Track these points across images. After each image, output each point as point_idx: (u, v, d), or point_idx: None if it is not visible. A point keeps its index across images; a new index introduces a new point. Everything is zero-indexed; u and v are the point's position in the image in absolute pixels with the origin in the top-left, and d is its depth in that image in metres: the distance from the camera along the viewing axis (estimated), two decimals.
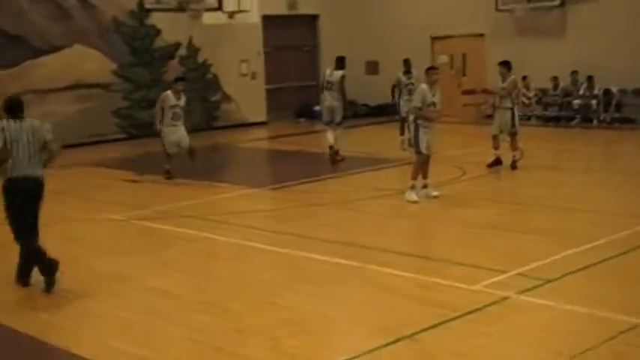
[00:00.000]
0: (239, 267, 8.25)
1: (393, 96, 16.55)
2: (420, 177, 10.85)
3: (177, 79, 13.53)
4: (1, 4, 17.61)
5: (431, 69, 11.16)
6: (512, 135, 12.93)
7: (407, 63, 16.33)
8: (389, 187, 11.96)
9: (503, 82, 13.03)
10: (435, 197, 10.73)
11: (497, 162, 12.98)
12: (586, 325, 5.97)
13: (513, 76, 13.19)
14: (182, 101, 13.07)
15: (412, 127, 10.93)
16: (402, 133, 15.72)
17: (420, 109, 10.66)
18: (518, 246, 8.45)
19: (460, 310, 6.34)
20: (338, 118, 14.68)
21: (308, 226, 9.64)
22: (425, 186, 10.87)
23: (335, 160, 14.49)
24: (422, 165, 10.83)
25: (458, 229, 9.54)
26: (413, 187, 10.70)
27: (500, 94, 13.03)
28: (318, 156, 16.70)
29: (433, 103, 10.69)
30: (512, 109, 12.99)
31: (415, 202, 10.54)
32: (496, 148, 13.02)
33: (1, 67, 17.58)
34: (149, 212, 10.85)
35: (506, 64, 13.16)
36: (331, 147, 14.60)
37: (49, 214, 11.01)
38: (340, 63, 14.90)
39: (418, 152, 10.75)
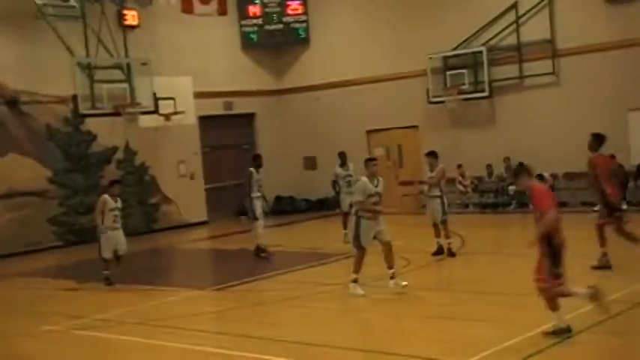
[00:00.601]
0: None
1: (334, 189, 16.58)
2: (380, 269, 10.65)
3: (113, 182, 13.64)
4: None
5: (369, 160, 11.17)
6: (443, 223, 13.15)
7: (342, 156, 16.59)
8: (333, 282, 11.90)
9: (432, 172, 13.31)
10: (404, 287, 10.45)
11: (440, 250, 13.11)
12: None
13: (441, 165, 13.50)
14: (119, 204, 13.13)
15: (354, 221, 10.81)
16: (345, 227, 15.76)
17: (362, 202, 10.64)
18: (467, 334, 8.43)
19: None
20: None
21: (254, 326, 9.47)
22: (392, 276, 10.58)
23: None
24: (368, 258, 10.68)
25: (405, 320, 9.52)
26: (355, 281, 10.57)
27: (430, 183, 13.30)
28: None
29: (377, 194, 10.67)
30: (440, 197, 13.26)
31: (361, 295, 10.43)
32: (437, 236, 13.18)
33: None
34: (89, 321, 10.50)
35: (433, 154, 13.51)
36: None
37: None
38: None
39: (358, 246, 10.64)
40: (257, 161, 15.07)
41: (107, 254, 12.91)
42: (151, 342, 9.13)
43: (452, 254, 13.14)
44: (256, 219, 14.76)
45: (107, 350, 9.10)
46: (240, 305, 10.93)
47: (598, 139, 11.77)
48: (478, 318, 9.01)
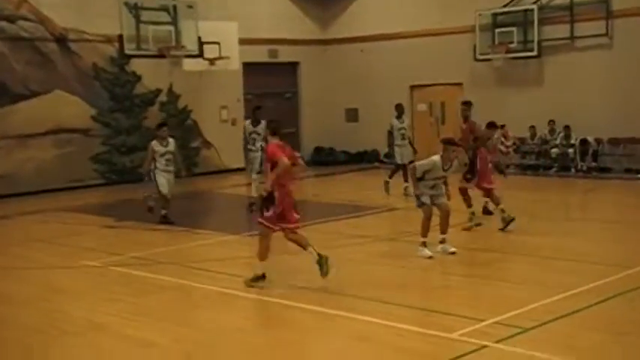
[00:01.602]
0: (218, 315, 8.16)
1: (389, 141, 16.35)
2: (438, 232, 10.34)
3: (160, 125, 13.58)
4: None
5: (450, 144, 10.31)
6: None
7: (399, 108, 16.40)
8: (368, 234, 11.96)
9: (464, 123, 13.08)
10: (452, 253, 10.21)
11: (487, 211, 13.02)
12: None
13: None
14: (171, 146, 13.15)
15: (413, 186, 10.32)
16: (406, 179, 15.43)
17: (420, 178, 10.10)
18: (496, 294, 8.44)
19: (438, 359, 6.29)
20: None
21: (286, 274, 9.56)
22: (442, 241, 10.33)
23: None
24: (434, 219, 10.25)
25: (436, 277, 9.55)
26: (424, 244, 10.17)
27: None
28: (298, 203, 16.67)
29: (443, 177, 10.20)
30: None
31: (429, 257, 10.04)
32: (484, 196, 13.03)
33: None
34: (126, 258, 10.75)
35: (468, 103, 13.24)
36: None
37: (26, 260, 10.97)
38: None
39: (421, 205, 10.20)
40: (256, 114, 14.66)
41: (164, 189, 13.05)
42: (183, 282, 9.33)
43: (489, 212, 13.06)
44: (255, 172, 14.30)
45: (141, 287, 9.30)
46: (275, 252, 11.03)
47: (468, 105, 12.82)
48: (505, 279, 9.03)
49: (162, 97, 20.62)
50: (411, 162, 13.65)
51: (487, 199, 13.04)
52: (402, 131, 16.17)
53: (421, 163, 10.30)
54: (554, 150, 19.30)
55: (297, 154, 10.08)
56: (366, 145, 22.62)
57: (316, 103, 23.85)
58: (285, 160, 8.68)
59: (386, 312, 7.76)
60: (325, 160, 23.37)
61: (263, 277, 8.87)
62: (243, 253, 11.45)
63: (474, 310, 7.67)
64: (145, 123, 19.96)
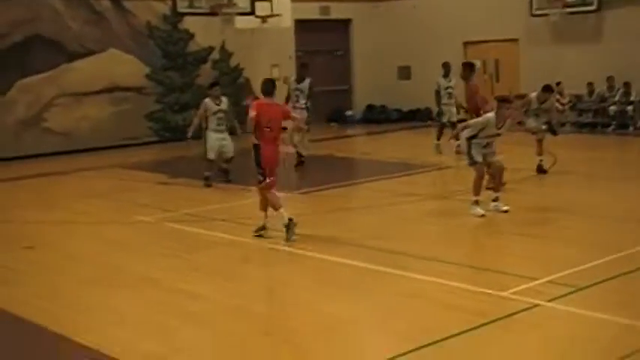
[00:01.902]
0: (269, 270, 8.25)
1: (437, 99, 16.18)
2: (489, 190, 10.25)
3: (213, 85, 13.45)
4: (37, 8, 17.88)
5: (504, 101, 10.22)
6: (540, 139, 12.84)
7: (445, 66, 16.22)
8: (419, 193, 11.89)
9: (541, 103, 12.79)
10: (505, 212, 10.06)
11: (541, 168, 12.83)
12: (618, 334, 5.86)
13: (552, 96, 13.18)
14: (224, 105, 12.96)
15: (465, 143, 10.16)
16: (439, 138, 15.58)
17: (474, 135, 10.00)
18: (550, 253, 8.33)
19: (488, 317, 6.26)
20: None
21: (337, 231, 9.61)
22: (495, 199, 10.20)
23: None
24: (491, 176, 10.21)
25: (489, 235, 9.46)
26: (477, 202, 10.02)
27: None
28: (349, 160, 16.71)
29: (497, 135, 10.05)
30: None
31: (482, 215, 9.89)
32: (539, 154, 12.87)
33: (38, 72, 17.87)
34: (179, 215, 10.90)
35: (549, 89, 12.88)
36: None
37: (81, 215, 11.23)
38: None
39: (474, 164, 10.07)
40: (301, 71, 14.74)
41: (211, 155, 12.83)
42: (235, 238, 9.42)
43: (544, 171, 12.86)
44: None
45: (193, 242, 9.44)
46: (324, 210, 11.09)
47: (471, 68, 13.06)
48: (559, 237, 8.88)
49: (215, 55, 20.69)
50: (460, 121, 13.51)
51: (541, 157, 12.83)
52: (449, 90, 15.97)
53: (476, 121, 10.21)
54: (613, 107, 18.81)
55: (289, 110, 10.34)
56: (419, 103, 22.36)
57: (368, 61, 23.62)
58: (250, 115, 9.00)
59: (437, 270, 7.73)
60: (377, 117, 23.24)
61: (263, 228, 9.28)
62: (295, 210, 11.49)
63: (526, 268, 7.58)
64: (198, 81, 20.08)
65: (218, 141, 12.87)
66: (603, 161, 15.23)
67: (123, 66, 19.09)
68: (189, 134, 12.96)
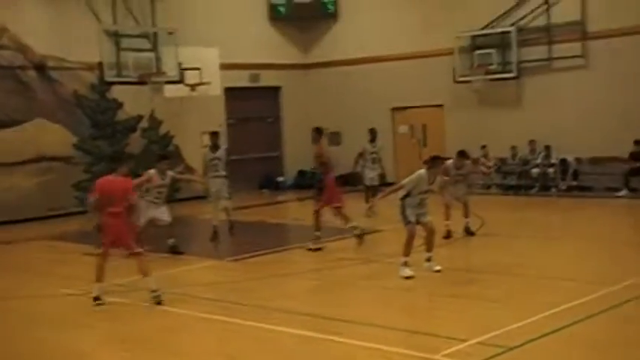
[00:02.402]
0: (203, 341, 8.10)
1: (356, 164, 16.78)
2: (420, 251, 10.55)
3: (162, 158, 13.10)
4: None
5: (437, 159, 10.65)
6: (466, 202, 13.24)
7: (372, 132, 16.86)
8: (352, 257, 11.96)
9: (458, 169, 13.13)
10: (438, 271, 10.36)
11: (449, 234, 13.04)
12: None
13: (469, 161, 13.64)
14: (167, 180, 12.71)
15: (400, 204, 10.41)
16: (367, 201, 15.89)
17: (408, 194, 10.29)
18: (479, 314, 8.45)
19: None
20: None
21: (272, 298, 9.56)
22: (429, 259, 10.49)
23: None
24: (416, 238, 10.40)
25: (419, 297, 9.55)
26: (406, 264, 10.23)
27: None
28: (280, 226, 16.70)
29: (429, 191, 10.39)
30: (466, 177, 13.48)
31: (409, 277, 10.10)
32: (447, 219, 13.08)
33: None
34: (107, 286, 10.60)
35: (464, 155, 13.31)
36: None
37: (7, 289, 10.85)
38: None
39: (407, 223, 10.32)
40: (213, 140, 14.51)
41: (141, 222, 12.31)
42: (164, 308, 9.25)
43: (471, 233, 13.13)
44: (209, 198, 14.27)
45: (122, 315, 9.23)
46: (257, 276, 11.02)
47: (319, 132, 13.77)
48: (488, 298, 9.02)
49: (144, 124, 20.55)
50: (381, 185, 14.05)
51: (467, 219, 13.14)
52: (374, 155, 16.63)
53: (409, 179, 10.43)
54: (535, 170, 19.43)
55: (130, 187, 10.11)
56: (350, 168, 22.62)
57: (299, 127, 23.86)
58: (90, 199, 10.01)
59: (371, 334, 7.74)
60: (309, 183, 23.36)
61: (97, 298, 9.57)
62: (227, 278, 11.41)
63: (457, 330, 7.66)
64: (127, 150, 19.88)
65: (150, 209, 12.58)
66: (528, 222, 15.65)
67: (50, 135, 18.81)
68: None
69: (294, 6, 23.33)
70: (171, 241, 12.84)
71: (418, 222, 10.34)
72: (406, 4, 21.78)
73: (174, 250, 12.80)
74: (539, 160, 19.42)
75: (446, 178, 12.86)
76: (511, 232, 14.23)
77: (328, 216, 16.59)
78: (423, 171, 10.36)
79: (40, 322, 9.05)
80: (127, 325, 8.72)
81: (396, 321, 8.46)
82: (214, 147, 14.34)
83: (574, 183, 18.89)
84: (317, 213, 12.99)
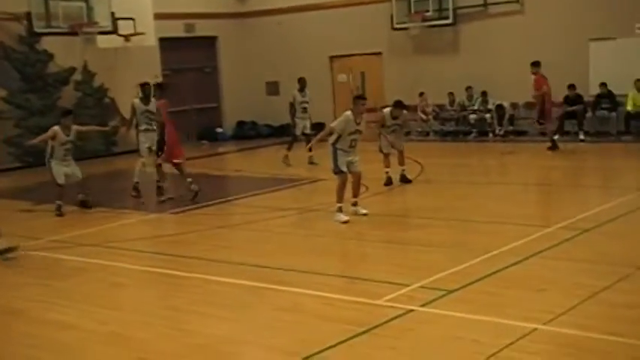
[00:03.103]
0: (144, 294, 8.05)
1: (290, 113, 16.78)
2: (346, 197, 10.70)
3: (66, 113, 12.76)
4: None
5: (359, 98, 10.90)
6: (401, 150, 13.29)
7: (301, 81, 16.77)
8: (292, 207, 11.98)
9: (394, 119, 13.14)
10: (364, 215, 10.66)
11: (390, 181, 13.17)
12: (488, 333, 6.10)
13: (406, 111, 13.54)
14: (72, 136, 12.42)
15: (330, 150, 10.66)
16: (289, 149, 16.33)
17: (339, 137, 10.52)
18: (419, 259, 8.58)
19: (365, 325, 6.36)
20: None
21: (212, 249, 9.53)
22: (355, 204, 10.82)
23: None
24: (347, 184, 10.65)
25: (358, 245, 9.66)
26: (340, 210, 10.50)
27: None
28: (221, 178, 16.60)
29: (358, 131, 10.60)
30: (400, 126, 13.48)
31: (346, 221, 10.34)
32: (387, 166, 13.22)
33: None
34: (45, 242, 10.46)
35: (401, 105, 13.25)
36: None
37: None
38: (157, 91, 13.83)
39: (338, 172, 10.58)
40: (145, 91, 13.48)
41: (60, 179, 12.33)
42: (105, 263, 9.14)
43: (408, 181, 13.26)
44: (140, 156, 13.58)
45: (60, 271, 9.08)
46: (199, 229, 10.95)
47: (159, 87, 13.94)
48: (428, 244, 9.15)
49: (77, 76, 20.04)
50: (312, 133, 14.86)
51: (403, 167, 13.24)
52: (304, 105, 16.61)
53: (338, 121, 10.69)
54: (473, 116, 19.66)
55: None
56: (289, 118, 22.53)
57: (237, 78, 23.63)
58: None
59: (313, 282, 7.80)
60: (248, 134, 23.26)
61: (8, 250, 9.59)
62: (167, 231, 11.32)
63: (397, 275, 7.77)
64: (60, 103, 19.37)
65: (66, 167, 12.41)
66: (466, 167, 15.89)
67: None
68: (29, 143, 13.23)
69: None
70: (81, 196, 12.67)
71: (348, 170, 10.60)
72: None
73: (85, 205, 12.62)
74: (476, 106, 19.65)
75: (382, 126, 12.96)
76: (449, 178, 14.44)
77: (260, 167, 16.67)
78: (348, 112, 10.63)
79: None
80: (65, 281, 8.57)
81: (338, 268, 8.55)
82: (146, 99, 13.51)
83: (510, 128, 19.20)
84: (159, 166, 13.13)
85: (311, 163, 15.89)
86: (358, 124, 10.59)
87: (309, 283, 7.74)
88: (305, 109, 16.65)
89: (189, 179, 12.90)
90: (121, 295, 8.11)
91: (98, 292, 8.12)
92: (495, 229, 9.73)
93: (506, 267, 7.83)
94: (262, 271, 8.31)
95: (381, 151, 13.12)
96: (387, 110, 13.21)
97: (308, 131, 16.58)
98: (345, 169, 10.57)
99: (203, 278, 8.22)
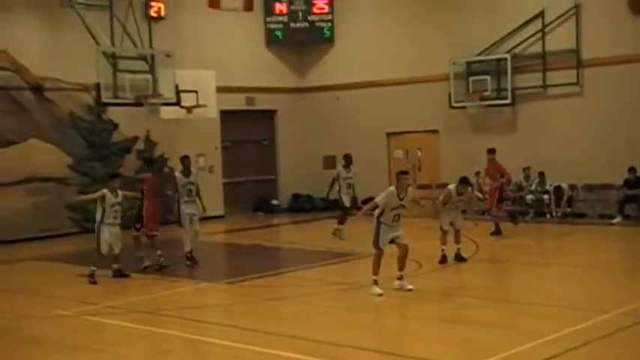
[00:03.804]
0: None
1: (330, 188, 17.12)
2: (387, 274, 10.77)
3: (113, 176, 13.13)
4: None
5: (401, 174, 11.02)
6: (458, 229, 13.20)
7: (347, 158, 17.10)
8: (346, 281, 11.93)
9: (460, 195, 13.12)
10: (409, 290, 10.64)
11: (445, 259, 13.04)
12: None
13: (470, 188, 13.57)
14: (120, 198, 12.65)
15: (374, 224, 10.77)
16: (340, 223, 16.42)
17: (382, 212, 10.64)
18: (472, 339, 8.41)
19: None
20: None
21: (265, 321, 9.51)
22: (400, 278, 10.80)
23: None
24: (389, 258, 10.71)
25: (410, 322, 9.53)
26: (375, 282, 10.59)
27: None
28: (275, 250, 16.67)
29: (401, 206, 10.68)
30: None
31: (379, 295, 10.42)
32: (444, 243, 13.11)
33: None
34: (100, 307, 10.61)
35: (466, 182, 13.28)
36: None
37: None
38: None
39: (376, 248, 10.72)
40: (184, 163, 14.07)
41: (104, 249, 12.48)
42: (157, 330, 9.22)
43: (463, 259, 13.11)
44: (180, 226, 14.01)
45: (114, 336, 9.18)
46: (251, 300, 10.98)
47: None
48: (486, 324, 8.98)
49: (140, 145, 20.60)
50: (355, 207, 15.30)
51: (459, 246, 13.09)
52: (349, 181, 16.82)
53: (381, 196, 10.77)
54: (530, 196, 19.46)
55: None
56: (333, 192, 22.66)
57: (294, 151, 23.95)
58: None
59: (362, 358, 7.69)
60: (303, 206, 23.39)
61: None
62: (221, 300, 11.37)
63: (448, 355, 7.64)
64: (122, 171, 19.88)
65: (112, 235, 12.53)
66: (522, 248, 15.64)
67: (43, 156, 18.78)
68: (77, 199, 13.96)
69: (290, 30, 23.46)
70: (115, 265, 12.74)
71: (393, 242, 10.69)
72: (402, 29, 21.93)
73: (120, 274, 12.69)
74: (533, 187, 19.46)
75: (445, 203, 12.92)
76: (504, 258, 14.23)
77: (314, 240, 16.70)
78: (392, 187, 10.76)
79: (33, 343, 8.97)
80: (121, 346, 8.64)
81: (388, 345, 8.42)
82: (187, 171, 14.00)
83: (568, 210, 18.92)
84: (136, 238, 13.60)
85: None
86: (402, 199, 10.67)
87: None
88: (349, 185, 16.84)
89: (159, 252, 13.40)
90: None
91: (150, 359, 8.15)
92: (551, 313, 9.50)
93: (563, 352, 7.61)
94: (314, 346, 8.24)
95: (441, 228, 13.04)
96: (452, 187, 13.18)
97: (348, 205, 16.75)
98: (384, 247, 10.67)
99: (253, 350, 8.19)
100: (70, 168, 19.28)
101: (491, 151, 16.88)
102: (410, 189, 10.89)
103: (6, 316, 10.51)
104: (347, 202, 16.78)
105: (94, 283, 12.32)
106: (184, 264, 13.75)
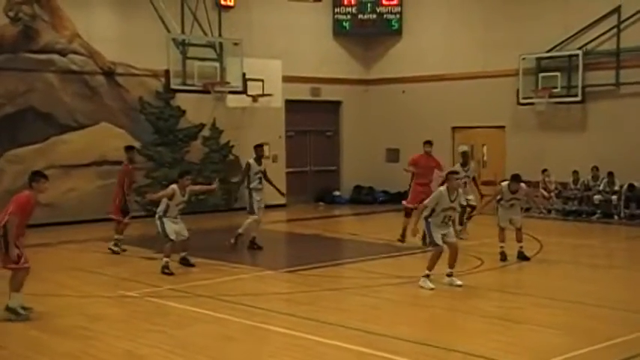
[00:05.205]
0: (254, 350, 8.14)
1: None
2: (446, 267, 10.84)
3: (184, 173, 12.85)
4: (32, 81, 18.10)
5: (452, 173, 11.03)
6: (520, 227, 12.98)
7: (465, 156, 15.95)
8: (406, 275, 11.87)
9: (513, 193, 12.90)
10: (459, 286, 10.67)
11: (504, 257, 12.86)
12: None
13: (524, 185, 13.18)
14: (187, 196, 12.49)
15: (424, 224, 10.85)
16: (461, 223, 15.44)
17: (430, 214, 10.64)
18: (533, 339, 8.28)
19: None
20: None
21: (323, 311, 9.55)
22: (450, 274, 10.83)
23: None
24: (447, 255, 10.75)
25: (472, 319, 9.42)
26: (427, 276, 10.69)
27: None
28: (336, 241, 16.70)
29: (452, 208, 10.69)
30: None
31: (430, 289, 10.50)
32: (502, 240, 12.93)
33: (28, 143, 17.97)
34: (163, 290, 10.82)
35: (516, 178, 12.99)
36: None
37: (64, 289, 11.10)
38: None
39: (433, 244, 10.77)
40: (258, 152, 14.37)
41: (172, 235, 12.24)
42: (218, 315, 9.34)
43: (526, 258, 12.91)
44: (251, 213, 14.16)
45: (176, 319, 9.35)
46: (312, 289, 11.04)
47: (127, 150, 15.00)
48: (546, 324, 8.83)
49: (205, 132, 20.89)
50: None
51: (521, 244, 12.87)
52: (465, 179, 15.47)
53: (430, 197, 10.82)
54: (597, 196, 19.02)
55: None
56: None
57: (357, 142, 23.93)
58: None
59: (425, 354, 7.66)
60: (364, 199, 23.37)
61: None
62: (280, 289, 11.47)
63: (510, 354, 7.54)
64: (187, 157, 20.24)
65: (175, 224, 12.42)
66: (590, 249, 15.30)
67: (113, 140, 19.19)
68: (150, 197, 13.91)
69: (358, 22, 23.41)
70: (183, 253, 12.69)
71: (444, 242, 10.66)
72: (471, 22, 21.66)
73: (186, 263, 12.64)
74: (601, 187, 19.01)
75: (499, 200, 12.79)
76: (569, 259, 13.95)
77: (375, 233, 16.62)
78: (443, 188, 10.70)
79: (97, 321, 9.19)
80: (182, 329, 8.80)
81: (447, 341, 8.32)
82: (259, 159, 14.34)
83: (638, 211, 18.43)
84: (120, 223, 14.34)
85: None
86: (453, 200, 10.61)
87: (418, 355, 7.61)
88: (466, 184, 15.88)
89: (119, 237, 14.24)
90: (232, 350, 8.21)
91: (211, 344, 8.28)
92: (617, 316, 9.29)
93: (632, 357, 7.43)
94: (371, 337, 8.25)
95: (498, 225, 12.91)
96: (504, 184, 13.01)
97: (464, 202, 15.70)
98: (440, 242, 10.64)
99: (311, 339, 8.24)
100: (138, 152, 19.62)
101: (429, 143, 15.64)
102: (460, 191, 10.89)
103: (73, 294, 10.82)
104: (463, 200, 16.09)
105: (170, 274, 11.97)
106: (229, 242, 14.01)
